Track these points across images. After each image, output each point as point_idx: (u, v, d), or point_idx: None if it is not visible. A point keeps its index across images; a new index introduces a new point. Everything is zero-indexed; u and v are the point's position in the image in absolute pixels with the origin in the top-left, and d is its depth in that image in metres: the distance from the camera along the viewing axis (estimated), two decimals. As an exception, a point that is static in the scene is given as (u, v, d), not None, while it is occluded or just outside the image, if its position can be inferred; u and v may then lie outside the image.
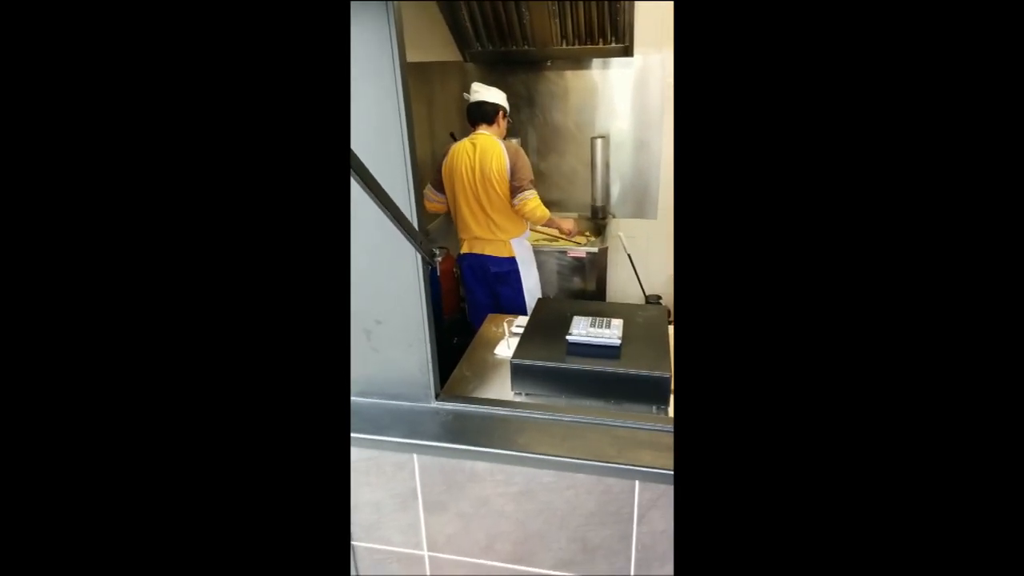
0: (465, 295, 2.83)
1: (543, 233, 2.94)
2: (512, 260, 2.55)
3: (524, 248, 2.59)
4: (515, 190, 2.42)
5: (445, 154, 2.52)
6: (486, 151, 2.41)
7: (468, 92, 2.50)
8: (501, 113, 2.51)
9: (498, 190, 2.42)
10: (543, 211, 2.48)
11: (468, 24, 2.80)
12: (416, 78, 3.17)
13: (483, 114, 2.47)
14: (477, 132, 2.48)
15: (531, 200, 2.43)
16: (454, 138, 2.95)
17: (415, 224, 1.13)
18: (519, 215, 2.49)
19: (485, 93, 2.47)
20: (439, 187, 2.56)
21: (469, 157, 2.43)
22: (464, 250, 2.61)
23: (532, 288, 2.61)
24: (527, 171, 2.44)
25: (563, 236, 2.87)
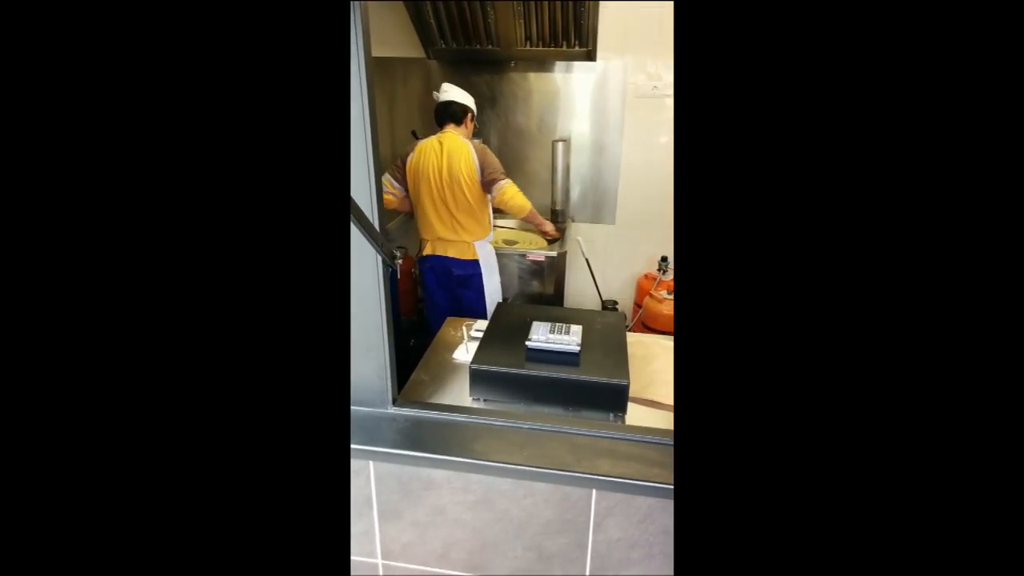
0: (424, 297, 2.77)
1: (524, 228, 2.85)
2: (475, 263, 2.52)
3: (487, 251, 2.56)
4: (490, 184, 2.40)
5: (411, 151, 2.46)
6: (454, 151, 2.37)
7: (438, 91, 2.46)
8: (470, 115, 2.48)
9: (465, 191, 2.39)
10: (523, 199, 2.47)
11: (432, 21, 2.76)
12: (378, 74, 3.10)
13: (452, 114, 2.44)
14: (444, 131, 2.44)
15: (509, 188, 2.42)
16: (416, 136, 2.90)
17: (376, 225, 1.10)
18: (501, 208, 2.48)
19: (455, 93, 2.44)
20: (398, 178, 2.49)
21: (437, 156, 2.39)
22: (427, 252, 2.56)
23: (493, 292, 2.59)
24: (497, 164, 2.42)
25: (544, 236, 2.83)
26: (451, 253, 2.51)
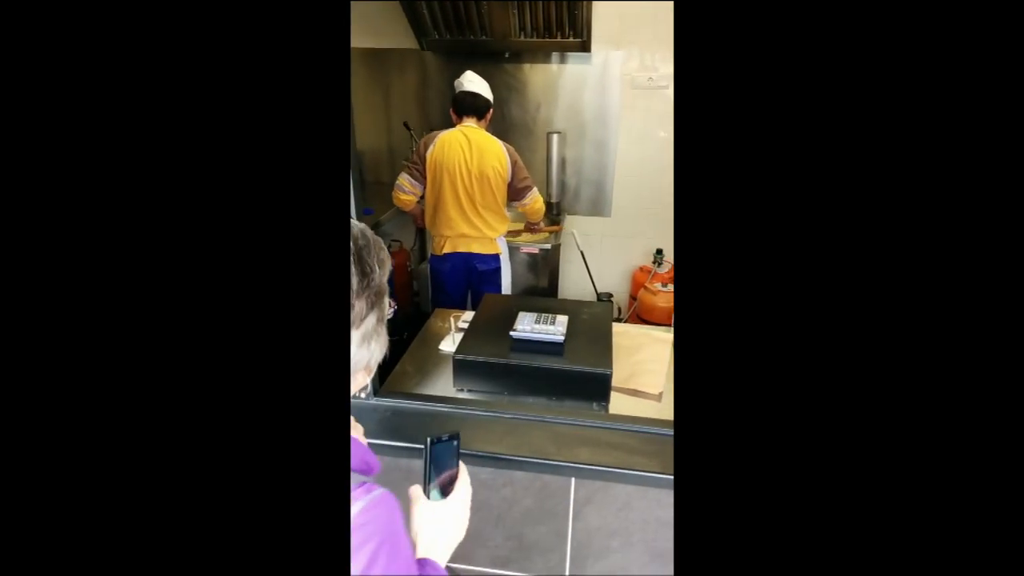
0: (434, 297, 2.64)
1: (538, 230, 2.82)
2: (497, 257, 2.48)
3: (504, 245, 2.53)
4: (524, 191, 2.40)
5: (429, 144, 2.34)
6: (485, 149, 2.31)
7: (460, 79, 2.37)
8: (491, 111, 2.42)
9: (494, 189, 2.34)
10: (543, 205, 2.53)
11: (425, 11, 2.75)
12: (372, 66, 3.10)
13: (476, 107, 2.35)
14: (466, 125, 2.35)
15: (539, 198, 2.47)
16: (408, 127, 2.88)
17: (355, 217, 1.10)
18: (526, 213, 2.54)
19: (480, 86, 2.37)
20: (418, 176, 2.38)
21: (464, 151, 2.30)
22: (447, 249, 2.45)
23: (507, 286, 2.56)
24: (525, 169, 2.41)
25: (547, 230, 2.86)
26: (475, 249, 2.45)
